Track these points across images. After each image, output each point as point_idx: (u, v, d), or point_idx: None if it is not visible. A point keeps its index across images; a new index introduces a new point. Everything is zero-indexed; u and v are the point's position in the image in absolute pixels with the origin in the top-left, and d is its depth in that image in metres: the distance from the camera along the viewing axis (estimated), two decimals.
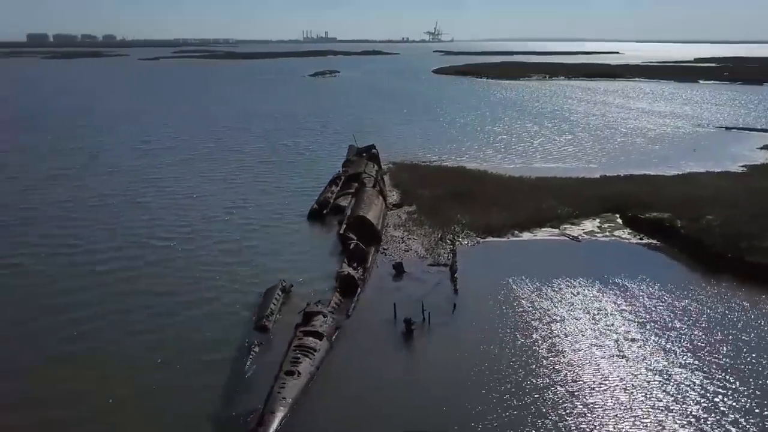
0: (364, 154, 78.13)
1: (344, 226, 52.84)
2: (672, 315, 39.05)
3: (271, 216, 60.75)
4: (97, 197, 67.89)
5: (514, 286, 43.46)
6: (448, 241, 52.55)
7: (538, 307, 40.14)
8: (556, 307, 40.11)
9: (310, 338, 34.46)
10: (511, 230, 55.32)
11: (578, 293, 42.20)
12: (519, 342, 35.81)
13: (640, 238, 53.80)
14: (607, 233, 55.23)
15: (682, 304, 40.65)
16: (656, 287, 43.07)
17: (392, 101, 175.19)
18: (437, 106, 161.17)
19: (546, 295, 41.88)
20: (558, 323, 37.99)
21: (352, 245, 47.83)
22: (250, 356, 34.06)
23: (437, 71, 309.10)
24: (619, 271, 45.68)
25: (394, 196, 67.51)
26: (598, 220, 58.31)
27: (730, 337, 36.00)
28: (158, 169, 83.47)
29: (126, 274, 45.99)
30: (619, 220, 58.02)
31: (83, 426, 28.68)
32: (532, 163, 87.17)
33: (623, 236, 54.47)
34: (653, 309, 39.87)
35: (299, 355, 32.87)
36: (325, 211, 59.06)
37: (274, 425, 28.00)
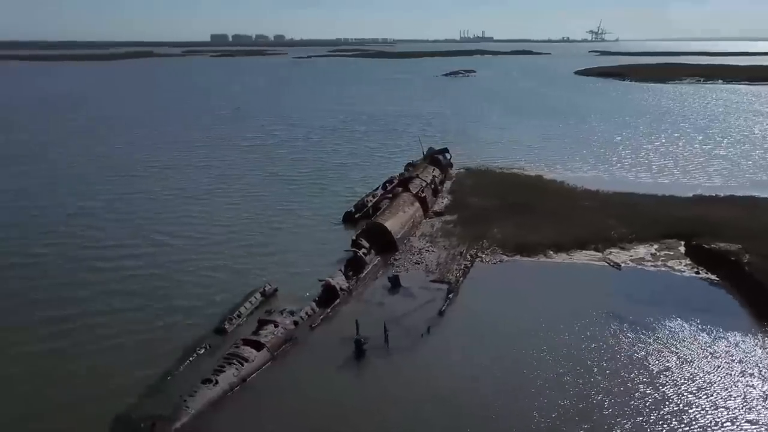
0: (426, 158, 75.16)
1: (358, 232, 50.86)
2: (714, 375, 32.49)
3: (308, 217, 60.22)
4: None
5: (512, 316, 38.85)
6: (468, 256, 48.60)
7: (526, 347, 34.78)
8: (548, 353, 34.31)
9: (247, 348, 33.34)
10: (547, 250, 49.89)
11: (588, 335, 36.31)
12: (480, 391, 30.90)
13: (696, 272, 45.80)
14: (659, 262, 47.72)
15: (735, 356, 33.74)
16: (694, 333, 36.29)
17: (511, 103, 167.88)
18: (558, 109, 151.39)
19: (544, 335, 36.18)
20: (538, 377, 32.33)
21: (349, 253, 45.90)
22: (189, 360, 33.70)
23: (579, 72, 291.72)
24: (654, 310, 39.16)
25: (443, 203, 64.20)
26: (655, 246, 50.66)
27: None
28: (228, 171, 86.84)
29: (124, 273, 46.44)
30: (682, 249, 49.91)
31: None
32: (627, 176, 77.99)
33: (677, 267, 46.70)
34: (679, 365, 33.48)
35: (224, 364, 31.92)
36: (357, 215, 57.46)
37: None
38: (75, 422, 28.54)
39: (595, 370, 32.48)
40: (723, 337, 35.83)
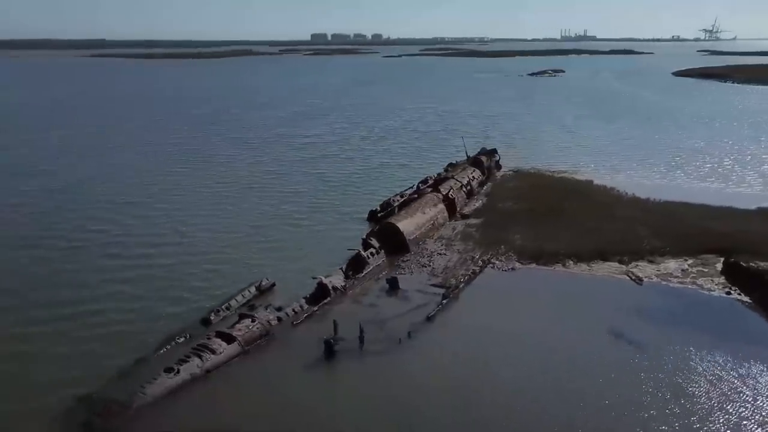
0: (469, 159, 73.23)
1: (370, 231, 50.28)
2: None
3: (334, 216, 60.20)
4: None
5: (502, 329, 36.79)
6: (480, 262, 46.80)
7: (503, 366, 32.79)
8: (527, 379, 32.01)
9: (217, 340, 33.75)
10: (566, 259, 47.12)
11: (575, 354, 33.83)
12: (432, 407, 29.41)
13: (728, 292, 41.56)
14: (688, 279, 43.72)
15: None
16: (701, 359, 33.06)
17: (592, 104, 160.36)
18: (642, 112, 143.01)
19: (528, 356, 33.96)
20: (499, 405, 30.25)
21: (353, 252, 45.43)
22: (165, 348, 34.56)
23: (677, 73, 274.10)
24: (664, 330, 36.24)
25: (474, 206, 62.28)
26: (689, 262, 46.50)
27: None
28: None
29: (133, 261, 48.39)
30: (719, 266, 45.46)
31: None
32: (693, 186, 71.70)
33: (706, 286, 42.59)
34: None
35: (191, 354, 32.48)
36: (380, 214, 56.84)
37: (119, 416, 28.17)
38: (42, 403, 29.69)
39: (573, 398, 30.12)
40: (736, 366, 32.31)
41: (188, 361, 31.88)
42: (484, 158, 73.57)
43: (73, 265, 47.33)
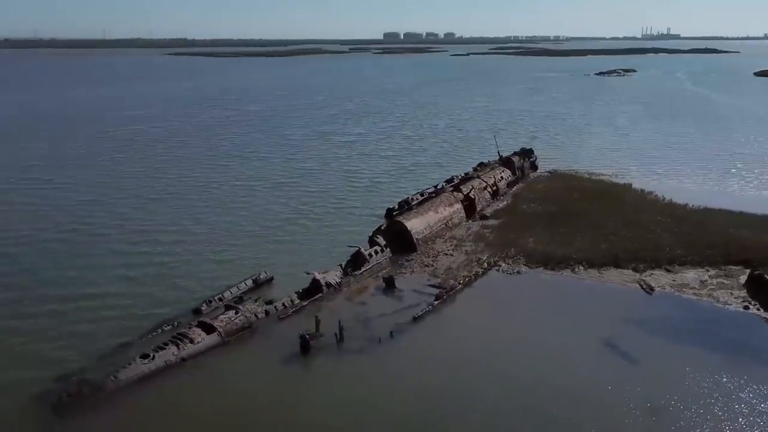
0: (501, 158, 71.52)
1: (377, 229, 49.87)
2: None
3: (353, 213, 60.31)
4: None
5: (486, 336, 35.68)
6: (486, 264, 45.58)
7: (478, 375, 31.59)
8: (501, 391, 30.78)
9: (197, 330, 34.41)
10: (576, 265, 45.20)
11: (559, 368, 32.23)
12: (393, 411, 28.83)
13: (745, 306, 38.61)
14: (705, 291, 40.94)
15: None
16: (700, 380, 30.94)
17: (657, 105, 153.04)
18: (711, 114, 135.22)
19: (505, 365, 32.62)
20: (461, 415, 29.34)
21: (354, 249, 45.24)
22: (151, 335, 35.58)
23: (759, 73, 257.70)
24: (663, 343, 34.45)
25: (498, 206, 60.73)
26: (710, 273, 43.56)
27: None
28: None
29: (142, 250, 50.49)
30: (742, 278, 42.32)
31: None
32: (744, 195, 66.80)
33: (722, 298, 39.75)
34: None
35: (169, 342, 33.27)
36: (394, 213, 56.28)
37: (89, 398, 29.23)
38: (20, 379, 31.26)
39: (542, 406, 28.83)
40: (741, 388, 29.93)
41: (165, 349, 32.66)
42: (516, 158, 71.56)
43: (85, 251, 49.85)
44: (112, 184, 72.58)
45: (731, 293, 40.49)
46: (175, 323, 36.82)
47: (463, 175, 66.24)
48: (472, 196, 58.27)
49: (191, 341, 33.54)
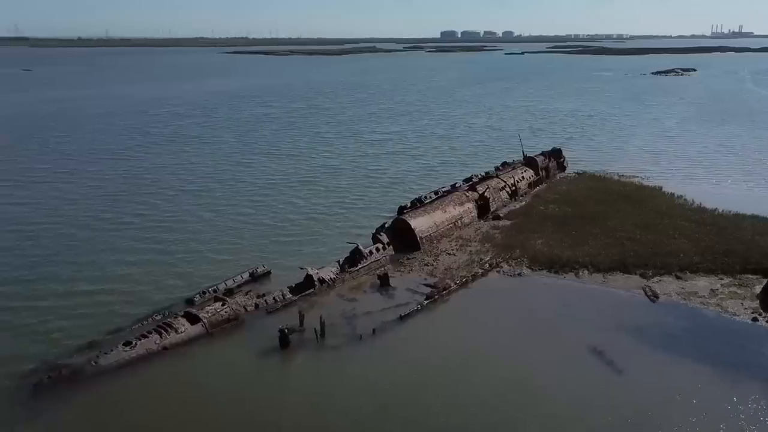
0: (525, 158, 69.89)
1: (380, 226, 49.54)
2: None
3: (367, 211, 60.05)
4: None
5: (470, 338, 34.94)
6: (486, 265, 44.63)
7: (454, 380, 31.03)
8: (475, 396, 30.60)
9: (181, 320, 35.06)
10: (581, 269, 43.68)
11: (542, 378, 31.41)
12: (358, 411, 28.86)
13: (754, 318, 36.37)
14: (714, 300, 38.77)
15: None
16: (692, 396, 29.47)
17: (710, 107, 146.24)
18: (766, 117, 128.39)
19: (483, 371, 32.08)
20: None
21: (352, 245, 45.10)
22: (141, 323, 36.49)
23: None
24: (656, 353, 32.92)
25: (514, 207, 59.37)
26: (723, 281, 41.27)
27: None
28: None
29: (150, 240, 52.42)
30: (757, 288, 39.86)
31: None
32: None
33: (732, 309, 37.54)
34: None
35: (152, 331, 34.03)
36: (405, 210, 55.80)
37: (68, 381, 30.24)
38: (12, 359, 32.73)
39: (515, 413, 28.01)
40: (736, 407, 28.22)
41: (148, 337, 33.42)
42: (540, 158, 69.72)
43: (102, 238, 51.69)
44: (138, 177, 74.94)
45: (742, 303, 38.20)
46: (166, 313, 37.64)
47: (482, 174, 65.07)
48: (487, 196, 57.10)
49: (175, 331, 34.20)
